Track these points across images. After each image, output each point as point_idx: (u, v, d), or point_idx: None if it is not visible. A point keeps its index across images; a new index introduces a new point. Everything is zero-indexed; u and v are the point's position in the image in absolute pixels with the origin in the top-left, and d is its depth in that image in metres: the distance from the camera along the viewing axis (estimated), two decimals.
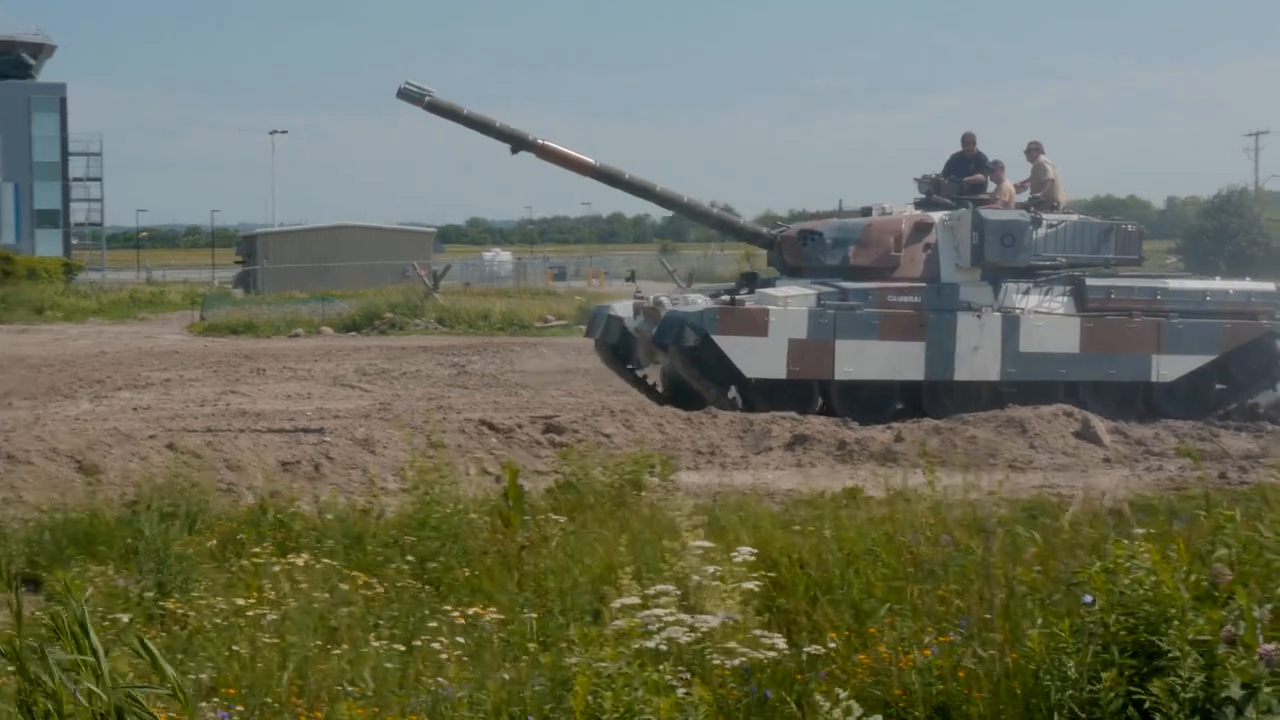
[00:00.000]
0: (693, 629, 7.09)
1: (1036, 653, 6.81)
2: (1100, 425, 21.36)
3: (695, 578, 7.53)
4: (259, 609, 8.88)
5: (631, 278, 33.43)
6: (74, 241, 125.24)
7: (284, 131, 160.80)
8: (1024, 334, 24.46)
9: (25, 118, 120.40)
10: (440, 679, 7.46)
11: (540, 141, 25.09)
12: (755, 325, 23.47)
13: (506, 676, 7.65)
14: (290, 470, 17.65)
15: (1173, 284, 26.25)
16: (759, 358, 23.45)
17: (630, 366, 26.02)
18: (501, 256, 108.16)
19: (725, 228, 28.96)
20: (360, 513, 12.73)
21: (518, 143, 25.07)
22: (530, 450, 19.95)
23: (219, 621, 8.77)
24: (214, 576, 10.41)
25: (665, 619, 6.97)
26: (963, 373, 24.33)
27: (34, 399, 27.98)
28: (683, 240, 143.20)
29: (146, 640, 4.46)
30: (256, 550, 10.34)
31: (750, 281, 26.01)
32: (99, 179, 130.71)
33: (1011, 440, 20.59)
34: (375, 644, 8.08)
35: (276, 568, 9.54)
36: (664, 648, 6.88)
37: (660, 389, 26.10)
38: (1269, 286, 27.04)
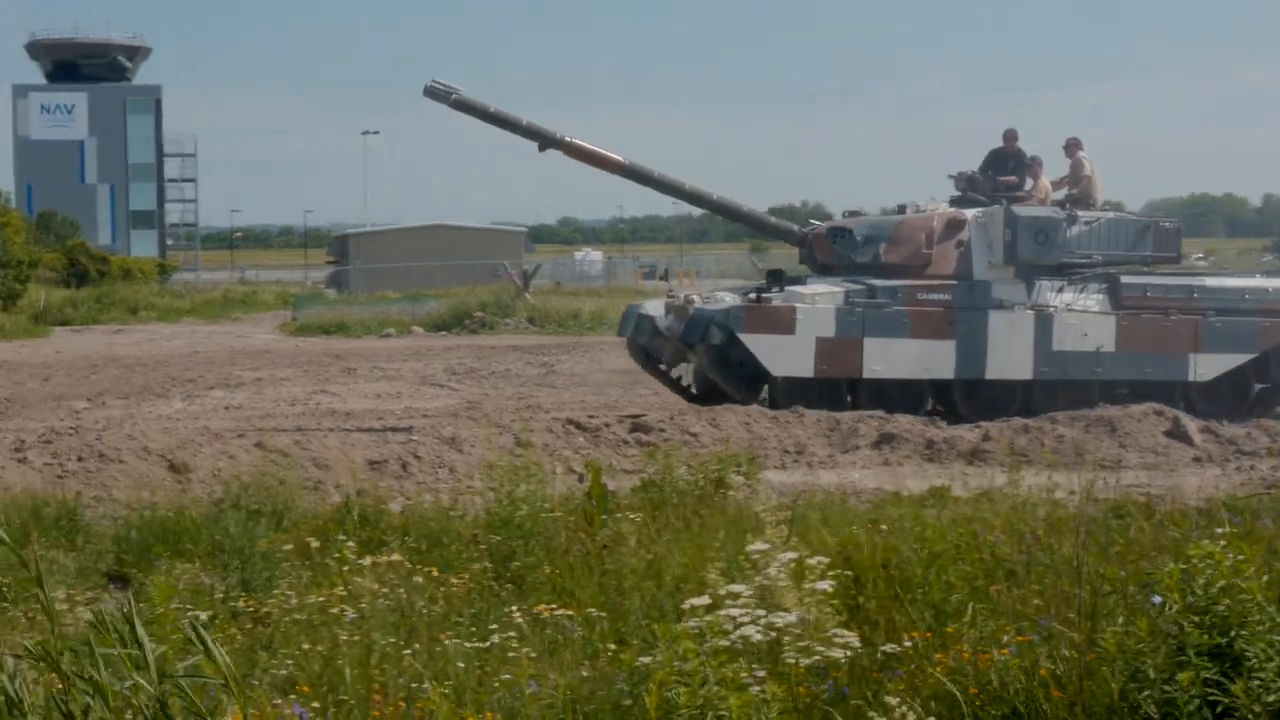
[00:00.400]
0: (769, 627, 7.08)
1: (1112, 653, 6.77)
2: (1191, 424, 21.05)
3: (761, 578, 7.50)
4: (340, 606, 8.94)
5: (664, 276, 33.22)
6: (169, 242, 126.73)
7: (376, 132, 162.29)
8: (1057, 332, 24.16)
9: (121, 120, 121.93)
10: (517, 676, 7.49)
11: (568, 139, 24.97)
12: (782, 323, 23.32)
13: (585, 674, 7.69)
14: (378, 469, 17.78)
15: (1210, 282, 25.87)
16: (786, 356, 23.30)
17: (662, 366, 25.79)
18: (592, 256, 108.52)
19: (756, 225, 28.68)
20: (445, 511, 12.80)
21: (545, 140, 24.92)
22: (617, 449, 20.00)
23: (300, 618, 8.84)
24: (298, 574, 10.48)
25: (741, 618, 6.97)
26: (994, 371, 24.06)
27: (127, 398, 28.29)
28: (774, 240, 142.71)
29: (200, 628, 4.48)
30: (339, 548, 10.41)
31: (778, 279, 25.65)
32: (193, 180, 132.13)
33: (1100, 439, 20.39)
34: (452, 641, 8.11)
35: (360, 565, 9.59)
36: (739, 645, 6.88)
37: (692, 389, 25.87)
38: None
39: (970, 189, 25.60)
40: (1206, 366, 24.70)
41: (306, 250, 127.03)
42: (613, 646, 8.25)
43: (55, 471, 16.26)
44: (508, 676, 7.40)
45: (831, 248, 25.25)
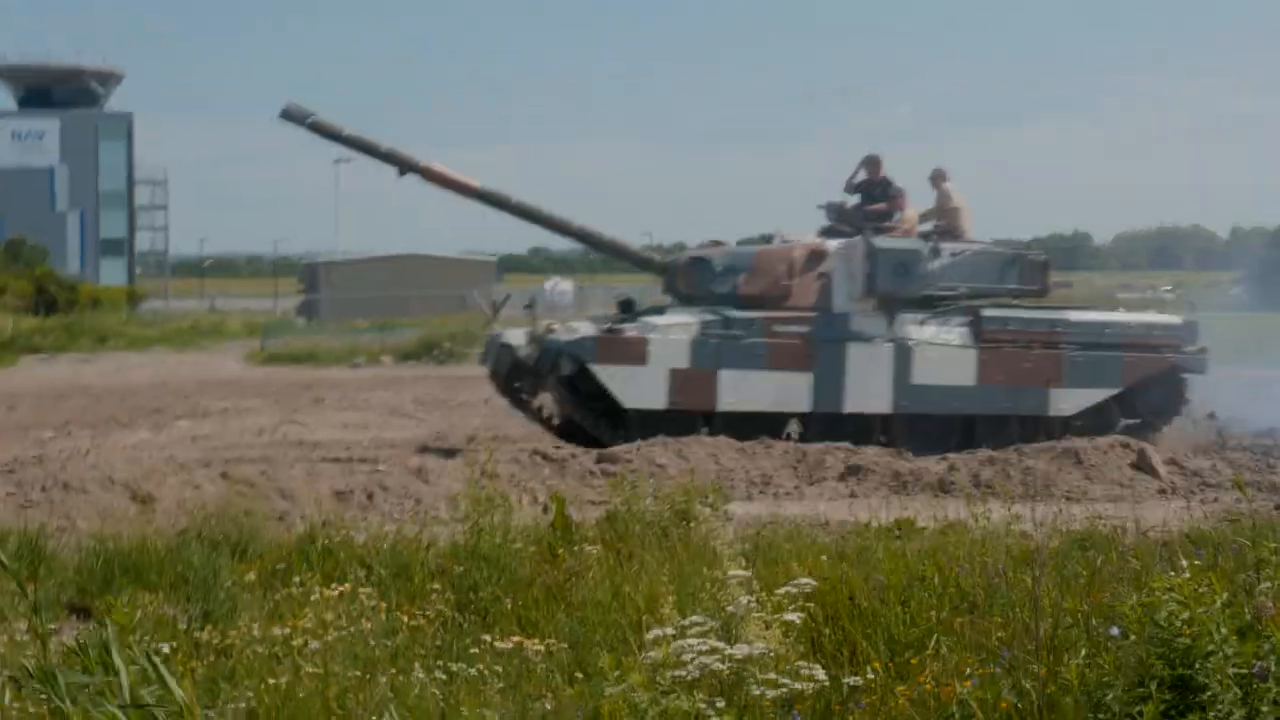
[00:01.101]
0: (728, 658, 7.09)
1: (1074, 685, 6.80)
2: (1156, 456, 21.06)
3: (730, 607, 7.53)
4: (301, 638, 8.92)
5: (531, 305, 32.85)
6: (138, 270, 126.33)
7: (348, 160, 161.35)
8: (917, 365, 23.86)
9: (92, 146, 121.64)
10: (481, 709, 7.49)
11: (423, 164, 24.58)
12: (634, 354, 23.00)
13: (548, 706, 7.68)
14: (344, 499, 17.76)
15: (1073, 315, 25.42)
16: (638, 387, 22.97)
17: (524, 397, 25.04)
18: (562, 286, 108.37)
19: (619, 254, 27.89)
20: (409, 541, 12.79)
21: (403, 165, 24.60)
22: (583, 480, 19.99)
23: (260, 650, 8.82)
24: (260, 605, 10.46)
25: (699, 649, 6.98)
26: (852, 404, 23.74)
27: (94, 428, 28.19)
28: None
29: (154, 658, 4.48)
30: (301, 579, 10.38)
31: (628, 309, 25.42)
32: (164, 207, 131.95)
33: (1067, 471, 20.45)
34: (417, 674, 8.10)
35: (320, 596, 9.57)
36: (696, 677, 6.89)
37: (554, 420, 25.12)
38: (1173, 319, 26.38)
39: (840, 219, 25.28)
40: (1067, 401, 24.49)
41: (276, 279, 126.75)
42: (580, 677, 8.25)
43: (19, 501, 16.21)
44: (469, 710, 7.39)
45: (691, 277, 24.80)
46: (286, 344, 56.84)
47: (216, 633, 9.52)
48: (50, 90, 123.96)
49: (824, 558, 11.13)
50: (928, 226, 25.25)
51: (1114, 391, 24.78)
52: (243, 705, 7.79)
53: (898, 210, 25.24)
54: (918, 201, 25.72)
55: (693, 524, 13.84)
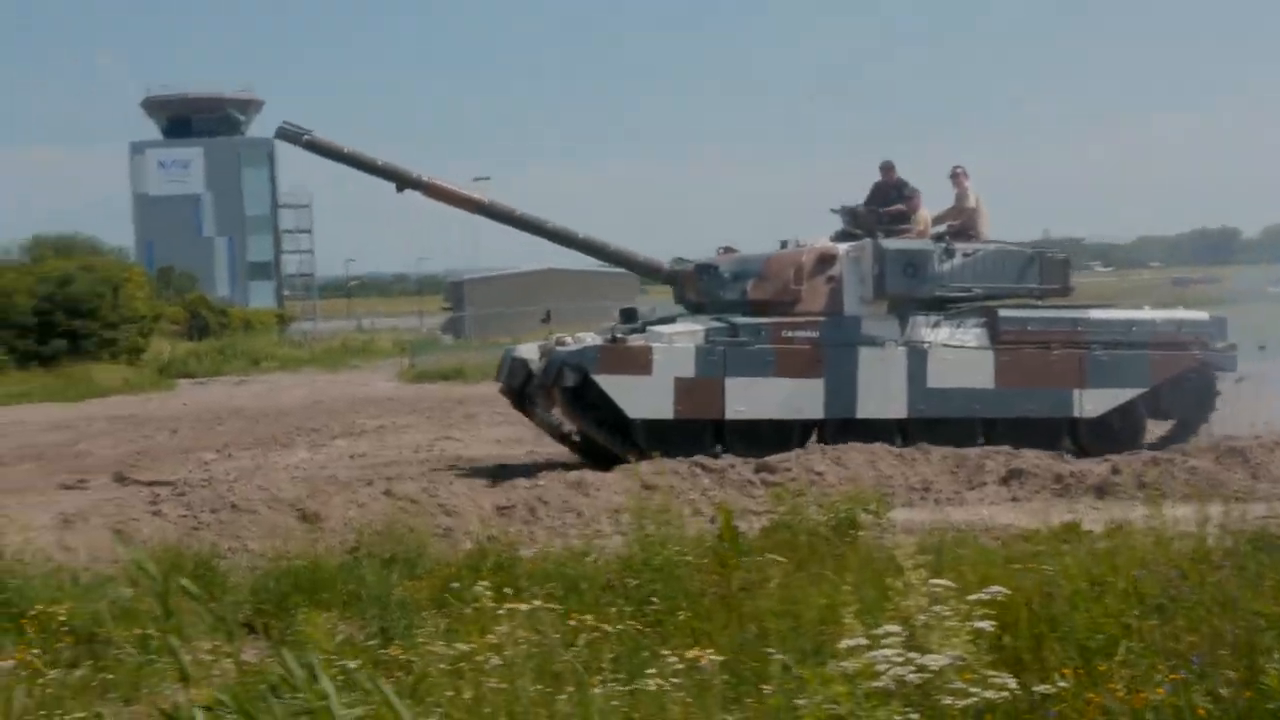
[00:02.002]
0: (920, 669, 7.00)
1: (1274, 690, 6.63)
2: None
3: (921, 616, 7.43)
4: (482, 653, 8.93)
5: (547, 319, 31.93)
6: (286, 292, 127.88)
7: (487, 178, 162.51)
8: (932, 368, 23.29)
9: (236, 173, 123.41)
10: None
11: (425, 179, 24.52)
12: (638, 363, 22.38)
13: (731, 718, 7.63)
14: (506, 514, 17.83)
15: (1096, 314, 24.80)
16: (643, 398, 22.33)
17: (539, 412, 24.33)
18: None
19: (624, 263, 27.27)
20: (578, 555, 12.79)
21: (402, 181, 24.48)
22: (743, 490, 19.93)
23: (443, 666, 8.84)
24: (436, 621, 10.49)
25: (892, 659, 6.90)
26: (866, 410, 23.10)
27: (253, 449, 28.53)
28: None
29: (379, 682, 4.47)
30: (477, 594, 10.40)
31: (631, 318, 24.82)
32: (309, 230, 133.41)
33: (1233, 470, 20.06)
34: (599, 688, 8.08)
35: (499, 612, 9.58)
36: (891, 688, 6.81)
37: (574, 435, 24.53)
38: (1200, 315, 25.74)
39: (853, 222, 24.76)
40: (1093, 402, 23.88)
41: (421, 297, 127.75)
42: (766, 689, 8.18)
43: (190, 523, 16.42)
44: None
45: (699, 285, 24.50)
46: (435, 361, 57.27)
47: (400, 649, 9.54)
48: (192, 119, 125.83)
49: (1000, 565, 10.97)
50: (941, 227, 24.75)
51: (1141, 391, 24.18)
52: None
53: (913, 212, 24.79)
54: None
55: (859, 532, 13.78)
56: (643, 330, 23.45)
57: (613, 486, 19.27)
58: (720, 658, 8.84)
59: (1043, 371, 23.61)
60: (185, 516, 16.70)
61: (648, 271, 27.09)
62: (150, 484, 20.21)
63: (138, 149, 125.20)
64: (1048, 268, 24.61)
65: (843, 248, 23.72)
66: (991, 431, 23.27)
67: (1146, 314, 25.30)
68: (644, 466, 18.73)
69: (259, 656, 10.41)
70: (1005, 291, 24.36)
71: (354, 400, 42.16)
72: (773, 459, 21.06)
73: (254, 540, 15.63)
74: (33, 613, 10.98)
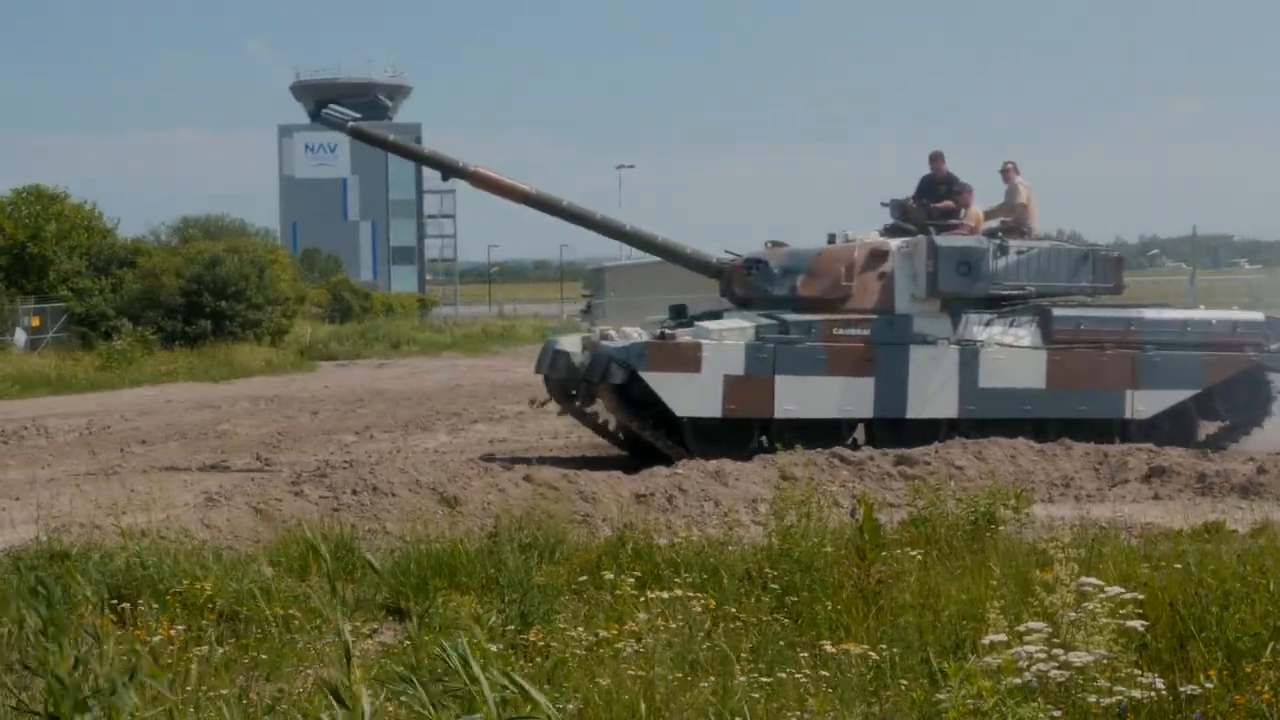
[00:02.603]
0: (1064, 666, 6.92)
1: None
2: None
3: (1072, 614, 7.35)
4: (621, 640, 8.95)
5: (587, 310, 31.31)
6: (428, 277, 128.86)
7: (631, 166, 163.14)
8: (984, 368, 22.85)
9: (382, 158, 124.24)
10: (803, 713, 7.42)
11: (472, 168, 24.12)
12: (687, 360, 21.78)
13: (872, 710, 7.59)
14: (644, 502, 17.81)
15: (1149, 314, 24.26)
16: (691, 395, 21.79)
17: (581, 406, 24.06)
18: None
19: (671, 256, 26.67)
20: (716, 545, 12.76)
21: (448, 170, 24.20)
22: (881, 482, 19.81)
23: (581, 653, 8.86)
24: (575, 607, 10.52)
25: (1035, 655, 6.83)
26: (916, 409, 22.70)
27: (393, 431, 28.76)
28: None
29: (511, 672, 4.47)
30: (616, 581, 10.42)
31: (681, 313, 24.43)
32: (452, 216, 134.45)
33: None
34: (741, 677, 8.06)
35: (640, 598, 9.59)
36: (1034, 684, 6.74)
37: (615, 430, 24.50)
38: (1255, 315, 25.17)
39: (903, 217, 24.23)
40: (1145, 403, 23.42)
41: (562, 284, 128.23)
42: (904, 683, 8.13)
43: (331, 505, 16.54)
44: (797, 713, 7.32)
45: (748, 280, 23.95)
46: None
47: (539, 635, 9.57)
48: (341, 104, 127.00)
49: (1146, 564, 10.82)
50: (994, 223, 24.33)
51: (1194, 392, 23.76)
52: (569, 707, 7.82)
53: (964, 207, 24.31)
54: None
55: (999, 526, 13.67)
56: (690, 326, 23.08)
57: (751, 476, 19.23)
58: (860, 650, 8.81)
59: (1095, 372, 23.24)
60: (326, 498, 16.84)
61: (695, 265, 26.23)
62: (292, 464, 20.40)
63: (285, 133, 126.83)
64: (1100, 266, 24.22)
65: (894, 244, 23.29)
66: (1041, 433, 22.78)
67: (1201, 314, 24.96)
68: (783, 457, 18.64)
69: (397, 638, 10.50)
70: (1058, 290, 23.96)
71: (494, 385, 42.36)
72: (913, 452, 20.91)
73: (393, 523, 15.72)
74: (178, 590, 11.14)
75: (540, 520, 14.11)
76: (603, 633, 9.13)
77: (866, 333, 22.50)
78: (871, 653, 8.72)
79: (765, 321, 22.42)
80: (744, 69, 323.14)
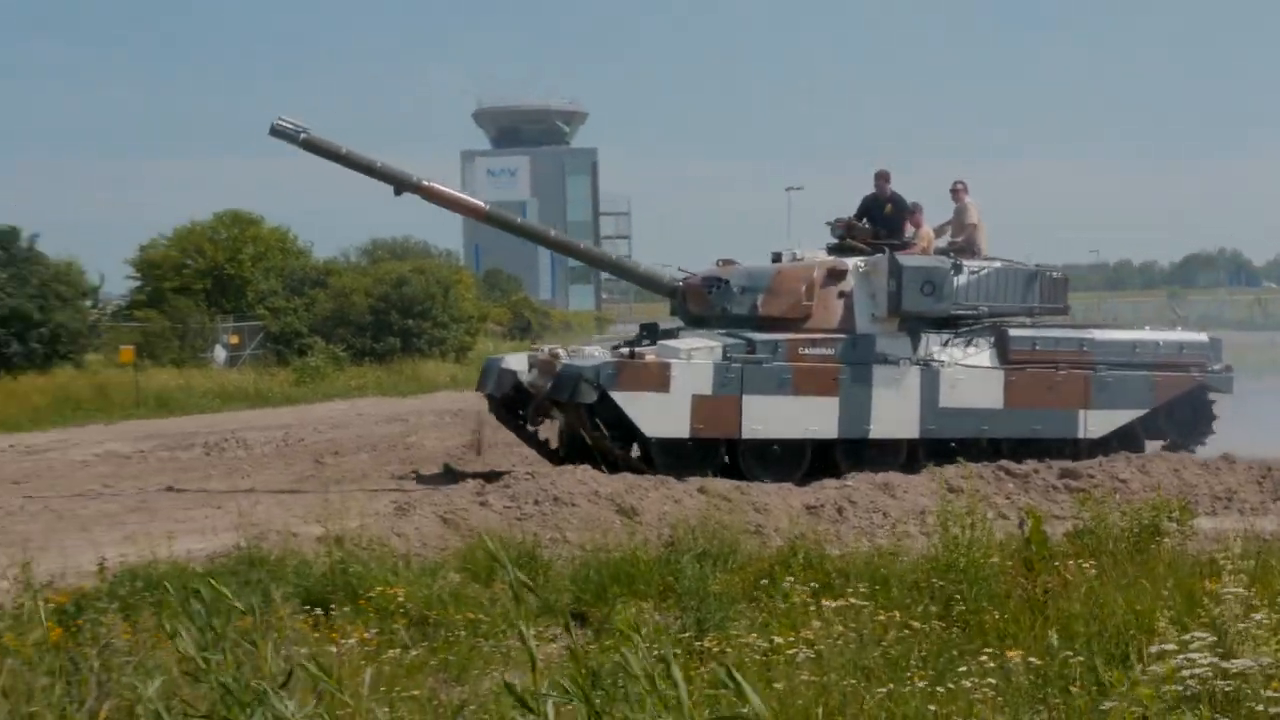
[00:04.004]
0: (1227, 675, 6.82)
1: None
2: None
3: (1240, 624, 7.24)
4: (794, 647, 8.95)
5: (528, 328, 30.41)
6: (604, 295, 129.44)
7: (800, 188, 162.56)
8: (944, 388, 22.11)
9: (560, 181, 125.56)
10: (972, 719, 7.38)
11: (424, 183, 22.88)
12: (656, 380, 20.85)
13: (1040, 718, 7.53)
14: (814, 513, 17.78)
15: (1099, 335, 23.64)
16: (660, 415, 20.89)
17: (523, 423, 23.47)
18: None
19: (623, 274, 26.14)
20: (886, 555, 12.73)
21: (400, 184, 22.78)
22: (1046, 495, 19.64)
23: (757, 658, 8.88)
24: (749, 615, 10.54)
25: (1200, 663, 6.73)
26: (879, 429, 21.84)
27: None
28: (1191, 286, 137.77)
29: (734, 671, 4.50)
30: (789, 590, 10.43)
31: (652, 332, 23.46)
32: (627, 236, 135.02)
33: None
34: (913, 685, 8.03)
35: (813, 607, 9.60)
36: (1197, 691, 6.65)
37: (555, 447, 23.83)
38: (1200, 336, 24.58)
39: (849, 235, 23.31)
40: (1097, 423, 22.85)
41: None
42: (1074, 690, 8.05)
43: (514, 514, 16.71)
44: None
45: (707, 298, 22.97)
46: None
47: (715, 641, 9.60)
48: (520, 130, 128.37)
49: None
50: (942, 242, 23.74)
51: (1144, 412, 23.27)
52: (743, 711, 7.83)
53: (916, 227, 23.59)
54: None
55: (1163, 539, 13.49)
56: (652, 345, 22.21)
57: (919, 489, 19.13)
58: (1027, 659, 8.74)
59: (1050, 392, 22.64)
60: (510, 507, 17.00)
61: (647, 284, 25.60)
62: (476, 475, 20.56)
63: (468, 158, 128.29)
64: (1048, 287, 23.68)
65: (851, 262, 22.56)
66: (996, 452, 22.33)
67: (1149, 335, 24.34)
68: (949, 470, 18.53)
69: (578, 643, 10.56)
70: (1010, 310, 23.40)
71: None
72: (1078, 465, 20.72)
73: (573, 532, 15.84)
74: (371, 595, 11.32)
75: (714, 530, 14.15)
76: (777, 639, 9.14)
77: (831, 352, 21.85)
78: (1038, 661, 8.65)
79: (731, 341, 21.67)
80: (910, 89, 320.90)
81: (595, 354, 21.80)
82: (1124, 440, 23.00)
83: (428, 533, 15.69)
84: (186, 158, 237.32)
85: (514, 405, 23.35)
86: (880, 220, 23.60)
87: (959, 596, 10.86)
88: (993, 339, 22.81)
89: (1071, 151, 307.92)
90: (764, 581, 11.84)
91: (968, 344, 22.69)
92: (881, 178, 23.90)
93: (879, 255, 22.48)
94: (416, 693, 8.12)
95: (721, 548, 13.57)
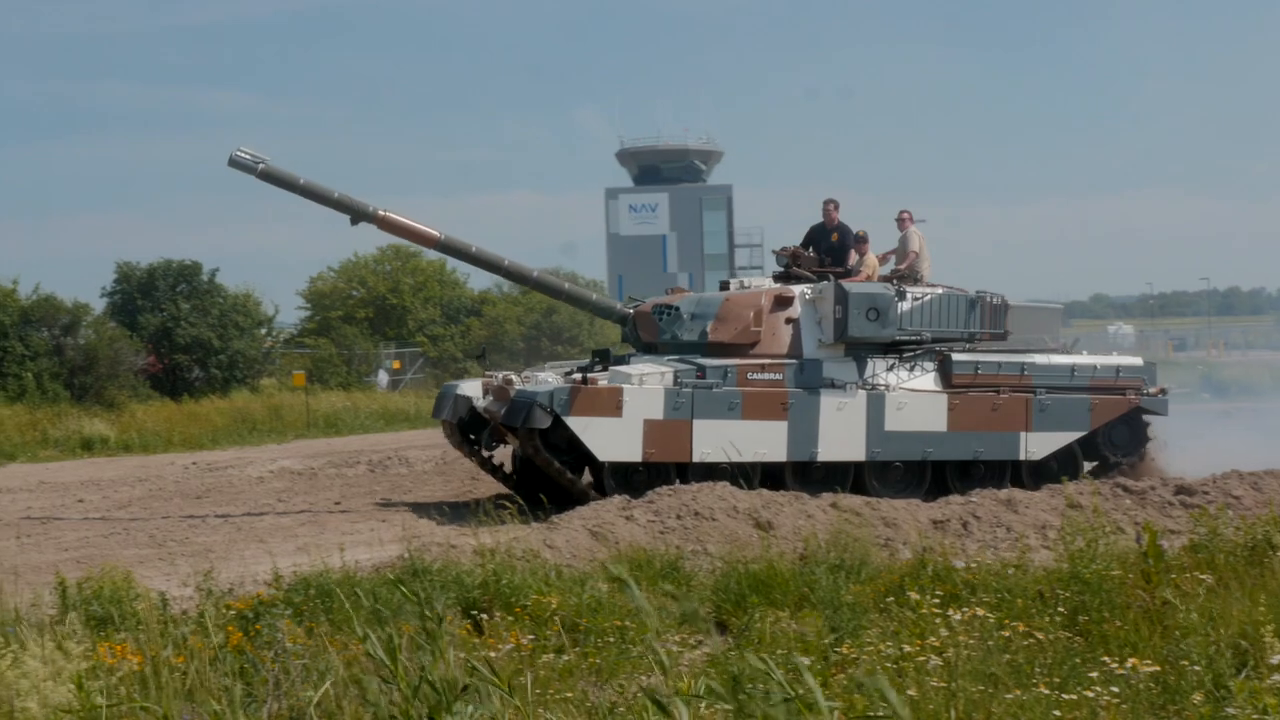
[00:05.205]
0: None
1: None
2: None
3: None
4: (924, 655, 8.87)
5: (481, 355, 29.36)
6: None
7: (923, 221, 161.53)
8: (890, 412, 21.55)
9: (697, 216, 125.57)
10: None
11: (380, 213, 21.91)
12: (608, 405, 20.20)
13: None
14: (941, 528, 17.66)
15: (1040, 359, 22.92)
16: (613, 440, 20.26)
17: (478, 448, 22.61)
18: (1124, 330, 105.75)
19: (576, 303, 25.22)
20: (1009, 567, 12.59)
21: (357, 214, 21.90)
22: (1162, 510, 19.32)
23: (889, 666, 8.80)
24: (880, 624, 10.45)
25: None
26: (827, 453, 21.24)
27: None
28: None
29: (880, 680, 4.46)
30: (918, 600, 10.34)
31: (604, 358, 22.36)
32: (760, 268, 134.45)
33: None
34: (1039, 692, 7.92)
35: (941, 616, 9.51)
36: None
37: (510, 473, 23.26)
38: (1135, 360, 23.92)
39: (795, 264, 22.79)
40: (1038, 445, 22.30)
41: None
42: (1197, 699, 7.91)
43: (658, 528, 16.72)
44: None
45: (657, 325, 22.40)
46: None
47: (849, 648, 9.54)
48: (660, 168, 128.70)
49: None
50: (886, 269, 23.13)
51: (1082, 434, 22.71)
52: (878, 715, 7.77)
53: (861, 255, 22.95)
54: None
55: (1277, 553, 13.22)
56: (605, 371, 21.40)
57: (1040, 504, 18.92)
58: (1149, 668, 8.60)
59: (992, 415, 22.13)
60: (653, 521, 17.02)
61: (599, 311, 25.17)
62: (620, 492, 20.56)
63: (611, 194, 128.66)
64: (988, 312, 23.10)
65: (798, 290, 22.08)
66: (939, 475, 21.92)
67: (1087, 359, 23.69)
68: (1070, 486, 18.30)
69: (718, 649, 10.54)
70: (951, 335, 22.74)
71: None
72: (1192, 482, 20.38)
73: (713, 544, 15.82)
74: (525, 603, 11.36)
75: (846, 543, 14.08)
76: (907, 647, 9.06)
77: (779, 377, 21.33)
78: (1158, 669, 8.51)
79: (682, 366, 21.17)
80: (1038, 122, 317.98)
81: (549, 380, 21.20)
82: (1062, 462, 22.62)
83: (577, 545, 15.73)
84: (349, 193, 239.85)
85: (469, 431, 22.69)
86: (826, 248, 23.28)
87: (1081, 607, 10.71)
88: (936, 363, 22.39)
89: (1183, 178, 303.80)
90: (894, 594, 11.76)
91: (912, 369, 22.22)
92: (829, 207, 23.57)
93: (825, 283, 22.09)
94: (569, 695, 8.13)
95: (853, 560, 13.49)
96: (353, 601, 10.79)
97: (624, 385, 20.47)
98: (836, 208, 23.57)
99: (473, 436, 22.66)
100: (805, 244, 23.52)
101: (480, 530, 14.81)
